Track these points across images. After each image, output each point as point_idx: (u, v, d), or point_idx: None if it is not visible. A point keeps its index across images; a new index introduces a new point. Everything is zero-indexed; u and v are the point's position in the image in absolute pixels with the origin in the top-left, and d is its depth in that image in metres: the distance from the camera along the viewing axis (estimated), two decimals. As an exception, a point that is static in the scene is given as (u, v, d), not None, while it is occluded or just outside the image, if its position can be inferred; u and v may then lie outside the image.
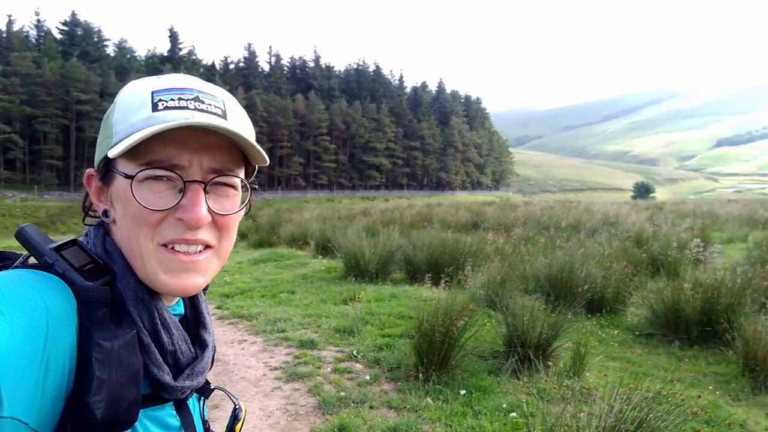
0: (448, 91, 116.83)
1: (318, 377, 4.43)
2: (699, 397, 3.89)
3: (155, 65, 71.57)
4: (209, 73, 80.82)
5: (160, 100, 0.70)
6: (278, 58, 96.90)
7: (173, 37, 78.37)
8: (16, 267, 0.70)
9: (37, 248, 0.70)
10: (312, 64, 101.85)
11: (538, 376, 4.36)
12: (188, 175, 0.70)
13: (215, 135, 0.71)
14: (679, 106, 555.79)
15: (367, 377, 4.43)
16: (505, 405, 3.90)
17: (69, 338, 0.63)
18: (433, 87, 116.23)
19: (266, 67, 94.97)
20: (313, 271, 9.22)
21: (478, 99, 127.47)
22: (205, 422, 0.92)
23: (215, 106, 0.73)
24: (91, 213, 0.81)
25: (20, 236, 0.72)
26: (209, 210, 0.72)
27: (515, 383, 4.30)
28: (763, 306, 5.65)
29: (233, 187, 0.75)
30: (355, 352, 4.97)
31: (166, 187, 0.70)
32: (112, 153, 0.67)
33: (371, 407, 3.90)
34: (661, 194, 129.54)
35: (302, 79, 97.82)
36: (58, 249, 0.71)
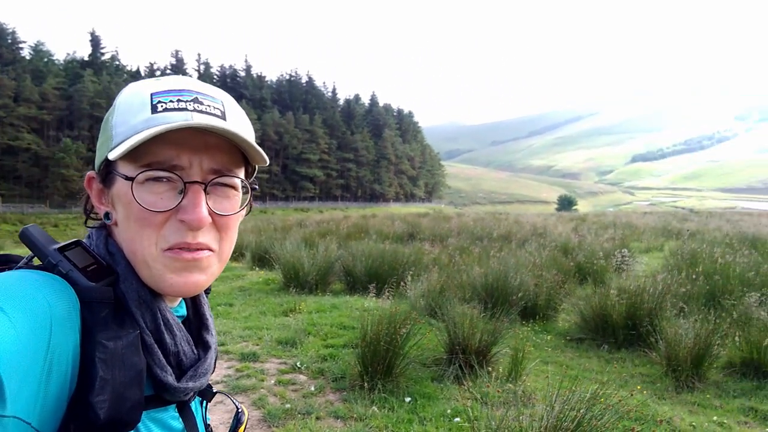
0: (381, 104, 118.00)
1: (262, 390, 4.36)
2: (631, 395, 4.14)
3: (75, 69, 67.92)
4: (134, 79, 76.91)
5: (160, 101, 0.71)
6: (207, 66, 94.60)
7: (95, 41, 74.75)
8: (20, 267, 0.70)
9: (41, 249, 0.70)
10: (243, 74, 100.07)
11: (479, 381, 4.49)
12: (188, 176, 0.71)
13: (214, 136, 0.72)
14: (597, 123, 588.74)
15: (312, 388, 4.41)
16: (449, 410, 3.99)
17: (72, 338, 0.63)
18: (366, 99, 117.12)
19: (195, 75, 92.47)
20: (251, 282, 9.05)
21: (410, 112, 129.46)
22: (207, 426, 0.92)
23: (214, 107, 0.73)
24: (92, 215, 0.81)
25: (24, 237, 0.71)
26: (210, 211, 0.72)
27: (458, 389, 4.41)
28: (681, 310, 6.09)
29: (233, 187, 0.76)
30: (298, 364, 4.93)
31: (167, 188, 0.70)
32: (112, 155, 0.67)
33: (318, 418, 3.88)
34: (582, 206, 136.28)
35: (233, 88, 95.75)
36: (62, 250, 0.71)
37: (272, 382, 4.55)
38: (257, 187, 0.84)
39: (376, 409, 4.00)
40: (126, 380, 0.64)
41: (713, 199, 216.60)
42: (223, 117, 0.73)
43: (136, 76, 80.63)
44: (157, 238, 0.71)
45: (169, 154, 0.69)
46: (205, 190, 0.71)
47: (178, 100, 0.71)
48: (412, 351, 4.61)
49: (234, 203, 0.76)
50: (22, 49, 67.11)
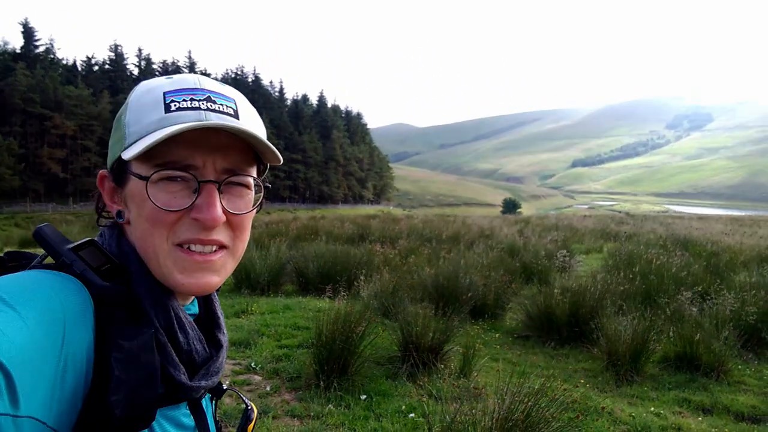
0: (329, 104, 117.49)
1: (216, 391, 4.33)
2: (575, 388, 4.36)
3: (6, 62, 64.28)
4: (70, 74, 73.97)
5: (173, 101, 0.71)
6: (149, 61, 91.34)
7: (28, 33, 70.90)
8: (34, 267, 0.70)
9: (55, 248, 0.70)
10: (186, 70, 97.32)
11: (432, 378, 4.62)
12: (202, 176, 0.71)
13: (228, 135, 0.72)
14: (540, 129, 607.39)
15: (268, 388, 4.41)
16: (404, 407, 4.09)
17: (86, 338, 0.63)
18: (314, 99, 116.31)
19: (135, 71, 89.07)
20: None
21: (359, 114, 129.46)
22: (217, 422, 0.93)
23: (227, 106, 0.74)
24: (104, 214, 0.82)
25: (38, 236, 0.72)
26: (224, 210, 0.72)
27: (412, 386, 4.52)
28: (620, 308, 6.43)
29: (246, 186, 0.76)
30: (253, 365, 4.92)
31: (181, 187, 0.70)
32: (126, 155, 0.69)
33: (274, 417, 3.90)
34: (526, 209, 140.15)
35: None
36: (76, 249, 0.71)
37: (227, 383, 4.51)
38: (270, 185, 0.84)
39: (332, 407, 4.05)
40: (141, 379, 0.64)
41: (648, 203, 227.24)
42: (236, 116, 0.74)
43: (72, 70, 77.05)
44: (169, 234, 0.71)
45: (183, 153, 0.70)
46: (219, 189, 0.72)
47: (191, 99, 0.72)
48: (367, 350, 4.68)
49: (247, 202, 0.77)
50: (-54, 38, 62.98)
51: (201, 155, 0.71)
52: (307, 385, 4.44)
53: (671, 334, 5.70)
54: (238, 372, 4.78)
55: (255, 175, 0.79)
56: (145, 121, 0.71)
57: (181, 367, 0.73)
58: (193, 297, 0.84)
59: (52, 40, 75.03)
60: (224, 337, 0.87)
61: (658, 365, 5.54)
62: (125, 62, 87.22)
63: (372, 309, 6.41)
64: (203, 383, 0.76)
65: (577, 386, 4.50)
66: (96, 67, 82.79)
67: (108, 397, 0.61)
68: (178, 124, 0.68)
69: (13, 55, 67.74)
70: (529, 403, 3.19)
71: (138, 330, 0.67)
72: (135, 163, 0.71)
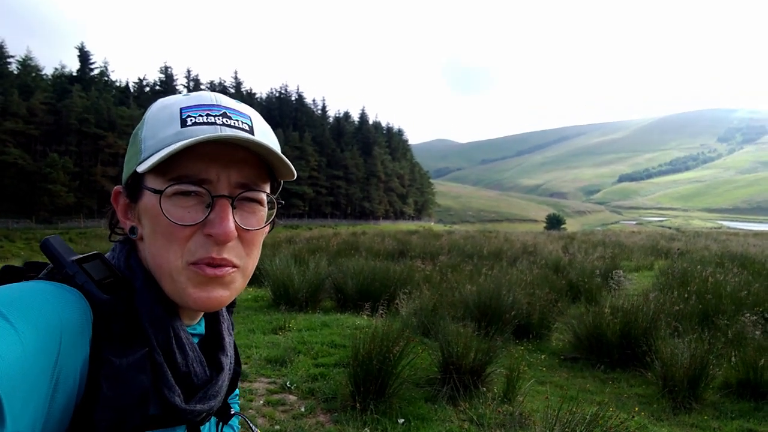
0: (371, 121, 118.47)
1: (250, 410, 4.21)
2: (632, 418, 4.05)
3: (63, 85, 67.47)
4: (123, 95, 77.31)
5: (189, 116, 0.72)
6: (197, 82, 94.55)
7: (84, 56, 74.45)
8: (40, 278, 0.70)
9: (59, 259, 0.70)
10: (233, 90, 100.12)
11: (474, 401, 4.38)
12: (216, 190, 0.71)
13: (243, 150, 0.72)
14: (584, 144, 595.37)
15: (302, 409, 4.27)
16: (444, 432, 3.87)
17: (82, 352, 0.63)
18: (355, 116, 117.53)
19: (184, 91, 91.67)
20: (240, 300, 8.88)
21: (400, 130, 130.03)
22: None
23: (242, 122, 0.74)
24: (117, 230, 0.82)
25: (44, 247, 0.72)
26: (236, 226, 0.72)
27: (453, 410, 4.30)
28: (675, 330, 6.03)
29: (259, 202, 0.76)
30: (288, 383, 4.79)
31: (195, 202, 0.70)
32: (141, 168, 0.68)
33: (308, 440, 3.75)
34: (570, 225, 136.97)
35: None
36: (80, 261, 0.71)
37: (261, 402, 4.40)
38: (283, 202, 0.83)
39: (368, 431, 3.88)
40: (130, 398, 0.64)
41: (699, 219, 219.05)
42: (251, 132, 0.74)
43: (125, 91, 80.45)
44: (183, 252, 0.70)
45: (198, 167, 0.70)
46: (232, 205, 0.72)
47: (207, 115, 0.72)
48: (405, 371, 4.49)
49: (260, 218, 0.77)
50: (10, 63, 66.66)
51: (215, 169, 0.71)
52: (343, 407, 4.27)
53: (733, 358, 5.28)
54: (273, 391, 4.66)
55: (268, 191, 0.78)
56: (160, 135, 0.71)
57: (177, 388, 0.72)
58: (200, 316, 0.84)
59: (106, 62, 78.44)
60: (226, 360, 0.85)
61: (718, 392, 5.15)
62: (174, 83, 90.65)
63: (411, 327, 6.22)
64: (198, 407, 0.74)
65: (633, 416, 4.17)
66: (147, 88, 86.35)
67: (94, 414, 0.61)
68: (195, 137, 0.69)
69: (70, 78, 71.27)
70: (580, 433, 2.94)
71: (132, 347, 0.67)
72: (149, 178, 0.72)
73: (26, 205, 56.28)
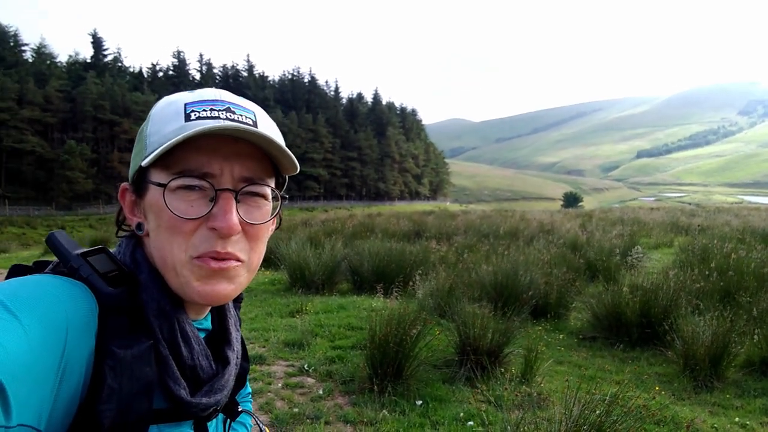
0: (384, 102, 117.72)
1: (269, 393, 4.25)
2: (653, 398, 4.01)
3: (78, 72, 67.92)
4: (137, 81, 77.63)
5: (193, 110, 0.72)
6: (210, 66, 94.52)
7: (97, 43, 74.65)
8: (45, 273, 0.70)
9: (64, 253, 0.70)
10: (245, 74, 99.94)
11: (492, 383, 4.37)
12: (219, 184, 0.71)
13: (246, 143, 0.72)
14: (601, 120, 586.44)
15: (321, 391, 4.29)
16: (462, 414, 3.87)
17: (87, 345, 0.63)
18: (368, 97, 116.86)
19: (197, 76, 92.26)
20: (257, 283, 8.94)
21: (413, 110, 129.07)
22: None
23: (246, 117, 0.74)
24: (124, 227, 0.82)
25: (49, 242, 0.72)
26: (240, 220, 0.72)
27: (470, 391, 4.29)
28: (697, 307, 5.94)
29: (264, 196, 0.76)
30: (306, 366, 4.81)
31: (198, 196, 0.70)
32: (145, 162, 0.69)
33: (327, 422, 3.77)
34: (588, 203, 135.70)
35: (236, 88, 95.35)
36: (85, 255, 0.71)
37: (279, 385, 4.43)
38: (287, 196, 0.84)
39: (386, 413, 3.88)
40: (134, 390, 0.64)
41: (720, 194, 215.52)
42: (254, 126, 0.74)
43: (139, 77, 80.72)
44: (187, 246, 0.70)
45: (201, 161, 0.70)
46: (236, 198, 0.72)
47: (211, 110, 0.72)
48: (422, 352, 4.48)
49: (264, 213, 0.76)
50: (24, 51, 67.20)
51: (219, 163, 0.71)
52: (360, 389, 4.29)
53: (756, 336, 5.19)
54: (291, 374, 4.69)
55: (273, 185, 0.78)
56: (165, 130, 0.71)
57: (182, 381, 0.72)
58: (207, 311, 0.84)
59: (119, 49, 79.12)
60: (233, 354, 0.85)
61: (741, 370, 5.06)
62: (187, 68, 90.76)
63: (427, 309, 6.21)
64: (204, 400, 0.75)
65: (654, 396, 4.12)
66: (161, 74, 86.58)
67: (98, 405, 0.61)
68: (197, 128, 0.68)
69: (84, 65, 71.62)
70: (601, 414, 2.91)
71: (136, 339, 0.67)
72: (154, 172, 0.72)
73: (45, 192, 57.19)
